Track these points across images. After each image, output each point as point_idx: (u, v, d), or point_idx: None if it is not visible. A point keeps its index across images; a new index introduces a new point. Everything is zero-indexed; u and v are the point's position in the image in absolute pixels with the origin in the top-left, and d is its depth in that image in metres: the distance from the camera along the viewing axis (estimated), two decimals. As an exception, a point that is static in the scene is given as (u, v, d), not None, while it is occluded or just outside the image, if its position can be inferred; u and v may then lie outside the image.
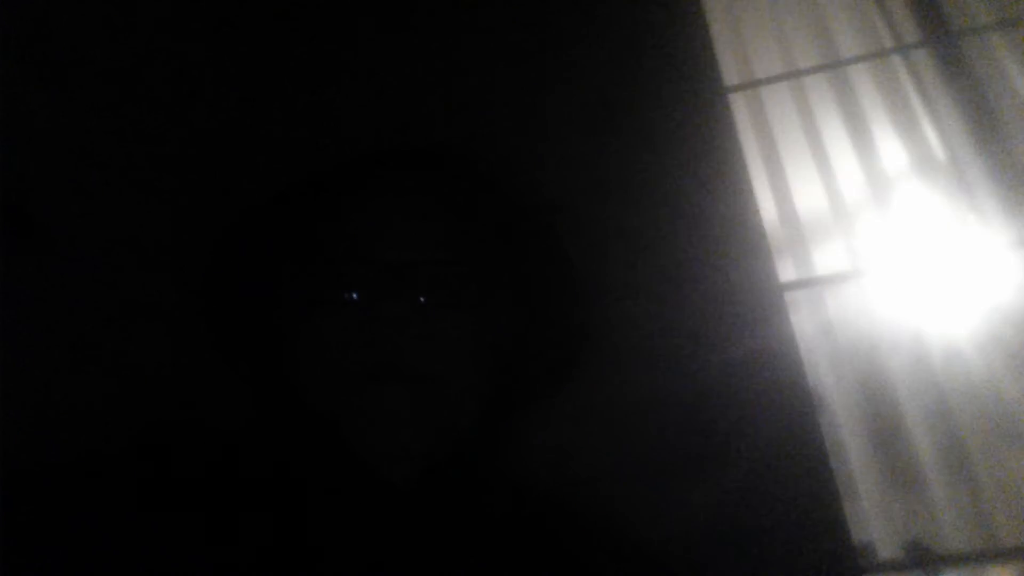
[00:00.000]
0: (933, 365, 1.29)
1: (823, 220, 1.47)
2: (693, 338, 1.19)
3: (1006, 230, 1.33)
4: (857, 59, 1.61)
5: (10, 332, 1.14)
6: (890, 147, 1.51)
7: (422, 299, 0.82)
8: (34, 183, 1.29)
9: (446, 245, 0.87)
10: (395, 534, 0.79)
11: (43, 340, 1.17)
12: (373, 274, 0.80)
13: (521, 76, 1.38)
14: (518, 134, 1.32)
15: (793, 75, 1.61)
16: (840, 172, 1.50)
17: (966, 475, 1.21)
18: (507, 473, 0.91)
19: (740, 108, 1.57)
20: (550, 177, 1.24)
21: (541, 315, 0.95)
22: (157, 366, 1.15)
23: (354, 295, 0.81)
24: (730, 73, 1.59)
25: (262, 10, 1.43)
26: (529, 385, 0.94)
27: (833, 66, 1.61)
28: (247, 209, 0.93)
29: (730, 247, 1.24)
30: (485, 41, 1.41)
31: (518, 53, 1.39)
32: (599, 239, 1.24)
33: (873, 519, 1.22)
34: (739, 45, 1.67)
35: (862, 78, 1.60)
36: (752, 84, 1.60)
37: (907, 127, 1.52)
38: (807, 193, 1.49)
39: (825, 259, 1.42)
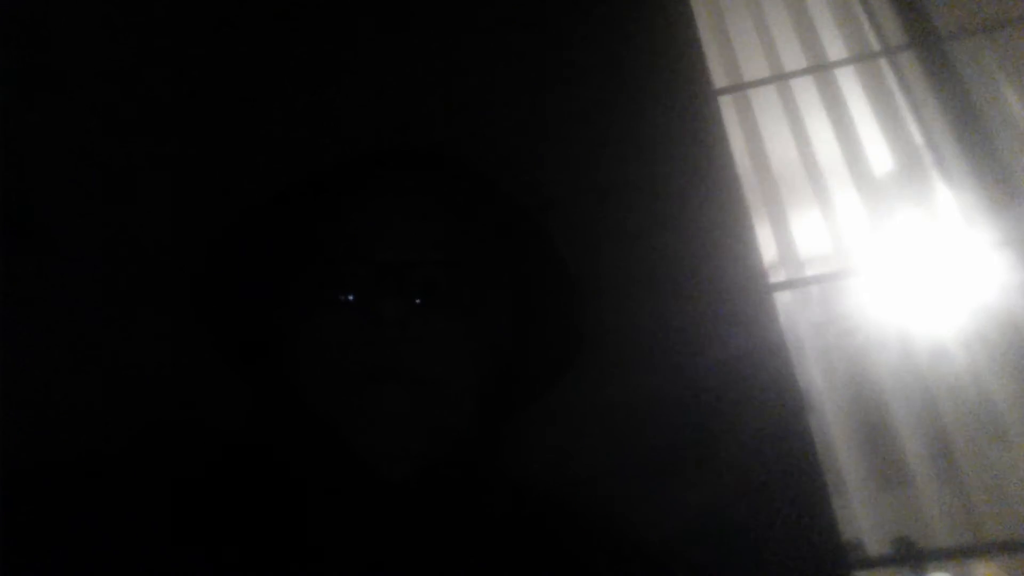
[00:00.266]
0: (920, 364, 1.30)
1: (811, 220, 1.48)
2: (683, 338, 1.19)
3: (991, 230, 1.34)
4: (844, 62, 1.62)
5: (10, 332, 1.13)
6: (876, 148, 1.52)
7: (419, 300, 0.82)
8: (34, 183, 1.29)
9: (444, 246, 0.87)
10: (394, 534, 0.79)
11: (43, 340, 1.17)
12: (371, 275, 0.80)
13: (517, 77, 1.38)
14: (514, 135, 1.32)
15: (781, 77, 1.62)
16: (827, 173, 1.51)
17: (952, 472, 1.22)
18: (504, 473, 0.91)
19: (729, 110, 1.57)
20: (545, 177, 1.25)
21: (538, 315, 0.95)
22: (157, 366, 1.15)
23: (352, 296, 0.81)
24: (719, 76, 1.60)
25: (262, 10, 1.43)
26: (526, 385, 0.94)
27: (820, 68, 1.61)
28: (246, 209, 0.92)
29: (719, 247, 1.25)
30: (482, 42, 1.41)
31: (514, 55, 1.40)
32: (591, 239, 1.24)
33: (862, 516, 1.22)
34: (728, 48, 1.68)
35: (849, 80, 1.61)
36: (741, 86, 1.61)
37: (893, 128, 1.53)
38: (795, 194, 1.50)
39: (813, 259, 1.43)
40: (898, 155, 1.51)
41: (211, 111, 1.36)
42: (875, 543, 1.20)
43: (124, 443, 0.82)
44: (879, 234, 1.40)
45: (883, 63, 1.60)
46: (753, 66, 1.66)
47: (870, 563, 1.16)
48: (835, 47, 1.65)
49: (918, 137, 1.51)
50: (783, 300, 1.30)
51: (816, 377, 1.33)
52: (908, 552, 1.16)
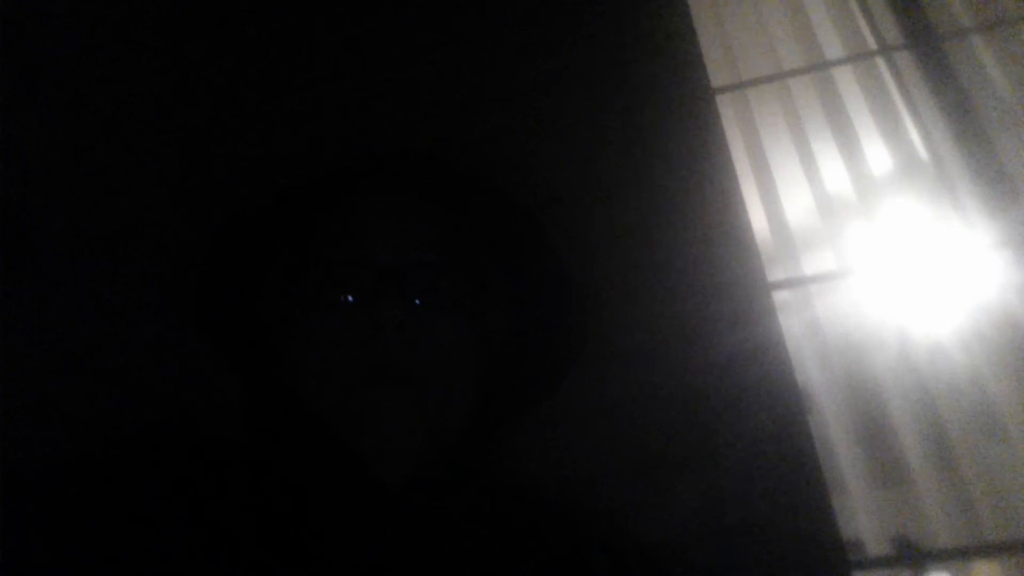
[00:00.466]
0: (918, 363, 1.30)
1: (810, 220, 1.48)
2: (682, 337, 1.19)
3: (989, 230, 1.34)
4: (841, 61, 1.61)
5: (8, 336, 1.13)
6: (874, 148, 1.52)
7: (419, 302, 0.82)
8: (33, 185, 1.28)
9: (444, 247, 0.87)
10: (391, 535, 0.78)
11: (42, 342, 1.17)
12: (371, 277, 0.80)
13: (515, 77, 1.38)
14: (512, 134, 1.32)
15: (779, 77, 1.62)
16: (825, 172, 1.50)
17: (951, 472, 1.22)
18: (502, 474, 0.91)
19: (727, 109, 1.57)
20: (543, 176, 1.25)
21: (538, 317, 0.95)
22: (155, 369, 1.15)
23: (352, 298, 0.81)
24: (717, 75, 1.59)
25: (261, 12, 1.43)
26: (524, 386, 0.94)
27: (818, 68, 1.61)
28: (245, 211, 0.92)
29: (718, 247, 1.25)
30: (481, 43, 1.41)
31: (512, 54, 1.40)
32: (589, 238, 1.24)
33: (861, 515, 1.22)
34: (726, 48, 1.67)
35: (846, 80, 1.61)
36: (739, 86, 1.60)
37: (891, 128, 1.53)
38: (793, 193, 1.50)
39: (812, 259, 1.43)
40: (896, 154, 1.50)
41: (209, 114, 1.36)
42: (874, 543, 1.20)
43: (121, 444, 0.82)
44: (877, 233, 1.40)
45: (881, 62, 1.59)
46: (751, 65, 1.66)
47: (870, 563, 1.16)
48: (833, 46, 1.65)
49: (916, 136, 1.51)
50: (781, 299, 1.29)
51: (815, 376, 1.32)
52: (907, 552, 1.16)
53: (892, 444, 1.26)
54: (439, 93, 1.38)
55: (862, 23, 1.65)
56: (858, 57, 1.60)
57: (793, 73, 1.61)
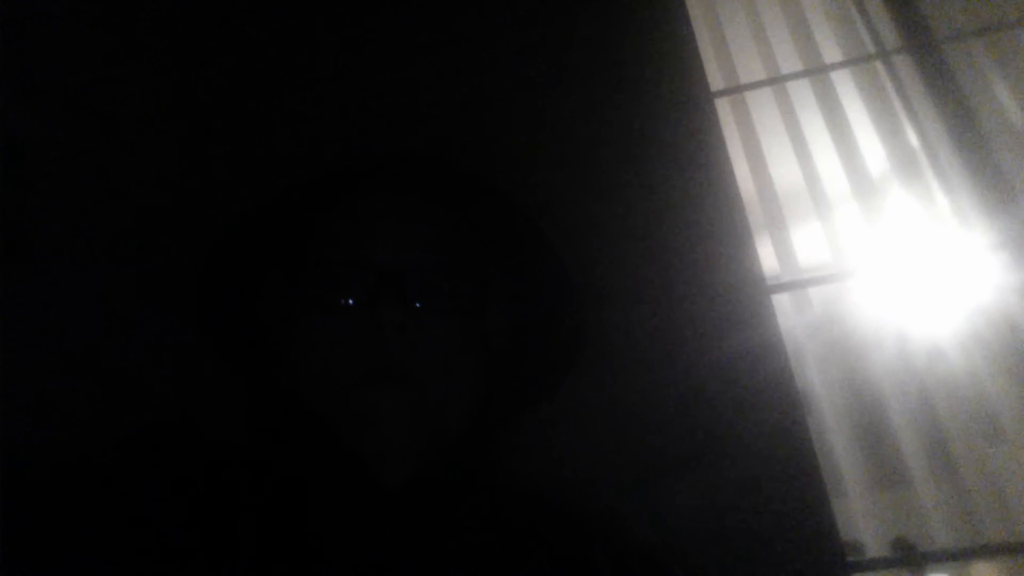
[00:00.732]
0: (917, 365, 1.30)
1: (808, 222, 1.48)
2: (681, 339, 1.19)
3: (987, 233, 1.34)
4: (840, 64, 1.61)
5: (8, 336, 1.13)
6: (873, 150, 1.52)
7: (419, 304, 0.81)
8: (33, 187, 1.28)
9: (444, 249, 0.87)
10: (391, 536, 0.78)
11: (41, 344, 1.16)
12: (371, 279, 0.80)
13: (514, 79, 1.38)
14: (511, 136, 1.32)
15: (777, 80, 1.62)
16: (824, 174, 1.51)
17: (950, 473, 1.22)
18: (502, 474, 0.91)
19: (726, 112, 1.57)
20: (542, 179, 1.25)
21: (537, 318, 0.95)
22: (156, 370, 1.14)
23: (352, 300, 0.81)
24: (715, 78, 1.59)
25: (261, 11, 1.43)
26: (524, 388, 0.94)
27: (816, 71, 1.61)
28: (243, 213, 0.92)
29: (717, 249, 1.24)
30: (480, 44, 1.41)
31: (511, 57, 1.39)
32: (588, 241, 1.24)
33: (860, 517, 1.22)
34: (724, 51, 1.68)
35: (845, 83, 1.61)
36: (737, 89, 1.60)
37: (889, 131, 1.53)
38: (792, 195, 1.50)
39: (811, 261, 1.43)
40: (894, 157, 1.50)
41: (210, 112, 1.36)
42: (874, 544, 1.20)
43: (121, 444, 0.82)
44: (876, 236, 1.40)
45: (879, 66, 1.59)
46: (749, 68, 1.66)
47: (869, 565, 1.15)
48: (831, 50, 1.65)
49: (914, 139, 1.51)
50: (781, 301, 1.29)
51: (814, 378, 1.33)
52: (907, 553, 1.16)
53: (891, 446, 1.26)
54: (439, 93, 1.37)
55: (860, 27, 1.65)
56: (856, 60, 1.61)
57: (791, 76, 1.61)
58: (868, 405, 1.29)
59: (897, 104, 1.55)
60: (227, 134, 1.34)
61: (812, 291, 1.36)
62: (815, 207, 1.48)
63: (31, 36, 1.39)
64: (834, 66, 1.61)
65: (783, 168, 1.53)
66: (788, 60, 1.66)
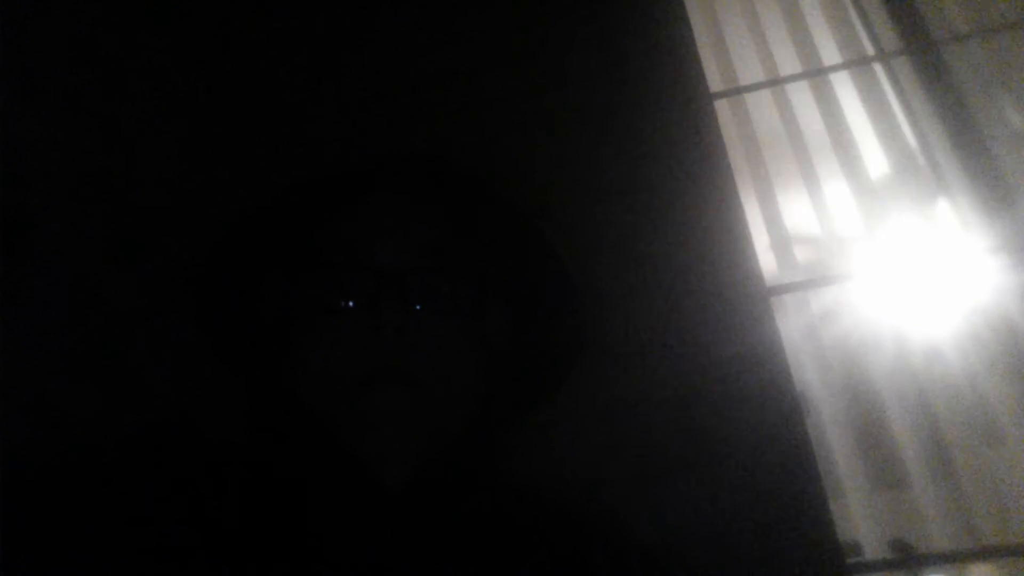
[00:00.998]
0: (916, 366, 1.30)
1: (807, 224, 1.48)
2: (680, 340, 1.19)
3: (985, 235, 1.34)
4: (839, 66, 1.62)
5: (8, 336, 1.13)
6: (872, 152, 1.52)
7: (419, 306, 0.81)
8: (34, 187, 1.28)
9: (444, 251, 0.86)
10: (392, 536, 0.78)
11: (41, 344, 1.16)
12: (372, 281, 0.80)
13: (514, 81, 1.38)
14: (511, 138, 1.32)
15: (776, 82, 1.62)
16: (823, 177, 1.51)
17: (948, 475, 1.22)
18: (503, 475, 0.90)
19: (725, 114, 1.57)
20: (542, 180, 1.25)
21: (538, 320, 0.95)
22: (156, 370, 1.14)
23: (352, 302, 0.81)
24: (715, 80, 1.59)
25: (261, 11, 1.43)
26: (524, 389, 0.93)
27: (815, 73, 1.61)
28: (244, 214, 0.92)
29: (717, 251, 1.25)
30: (480, 46, 1.41)
31: (512, 59, 1.40)
32: (588, 242, 1.24)
33: (858, 518, 1.22)
34: (723, 53, 1.68)
35: (844, 85, 1.61)
36: (737, 91, 1.60)
37: (888, 133, 1.53)
38: (791, 197, 1.50)
39: (809, 263, 1.43)
40: (893, 159, 1.50)
41: (210, 112, 1.36)
42: (872, 545, 1.20)
43: (121, 444, 0.82)
44: (875, 238, 1.40)
45: (878, 68, 1.60)
46: (749, 70, 1.66)
47: (867, 566, 1.15)
48: (830, 52, 1.65)
49: (913, 141, 1.51)
50: (780, 303, 1.29)
51: (813, 380, 1.32)
52: (905, 555, 1.16)
53: (889, 447, 1.26)
54: (439, 93, 1.37)
55: (859, 29, 1.65)
56: (855, 62, 1.61)
57: (791, 78, 1.61)
58: (866, 407, 1.29)
59: (896, 106, 1.55)
60: (227, 134, 1.34)
61: (811, 293, 1.36)
62: (814, 209, 1.48)
63: (31, 36, 1.39)
64: (833, 68, 1.61)
65: (782, 170, 1.53)
66: (787, 62, 1.66)
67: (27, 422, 1.06)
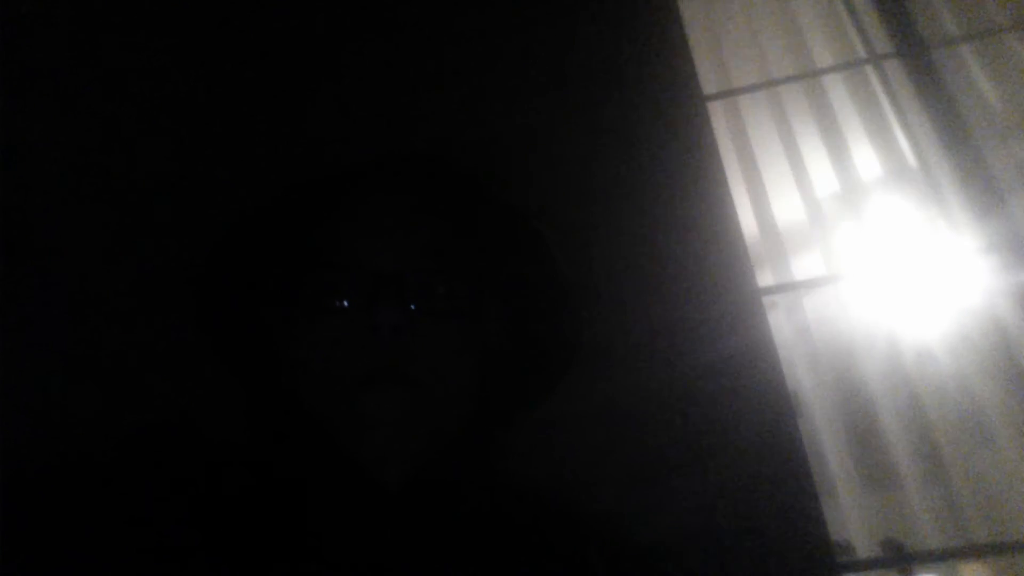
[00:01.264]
0: (907, 367, 1.30)
1: (800, 225, 1.48)
2: (673, 341, 1.19)
3: (976, 235, 1.34)
4: (831, 69, 1.62)
5: (8, 336, 1.12)
6: (863, 154, 1.52)
7: (415, 307, 0.81)
8: (33, 189, 1.28)
9: (441, 252, 0.86)
10: (390, 536, 0.78)
11: (41, 344, 1.16)
12: (368, 282, 0.80)
13: (509, 83, 1.38)
14: (506, 139, 1.32)
15: (769, 84, 1.62)
16: (815, 178, 1.51)
17: (939, 474, 1.22)
18: (499, 475, 0.90)
19: (719, 115, 1.57)
20: (536, 181, 1.25)
21: (534, 321, 0.95)
22: (155, 371, 1.14)
23: (348, 303, 0.81)
24: (709, 82, 1.59)
25: (261, 11, 1.43)
26: (520, 390, 0.93)
27: (808, 76, 1.61)
28: (244, 215, 0.92)
29: (710, 252, 1.25)
30: (475, 48, 1.41)
31: (506, 61, 1.39)
32: (581, 243, 1.24)
33: (850, 518, 1.22)
34: (717, 55, 1.67)
35: (836, 87, 1.61)
36: (730, 93, 1.60)
37: (880, 135, 1.53)
38: (784, 199, 1.50)
39: (802, 264, 1.43)
40: (885, 160, 1.51)
41: (210, 112, 1.36)
42: (863, 544, 1.20)
43: (121, 444, 0.81)
44: (866, 239, 1.40)
45: (870, 70, 1.60)
46: (742, 73, 1.66)
47: (859, 565, 1.16)
48: (823, 55, 1.65)
49: (904, 143, 1.51)
50: (772, 303, 1.29)
51: (805, 380, 1.32)
52: (896, 553, 1.16)
53: (881, 447, 1.26)
54: (432, 98, 1.37)
55: (852, 32, 1.65)
56: (848, 65, 1.61)
57: (784, 80, 1.61)
58: (858, 407, 1.29)
59: (888, 108, 1.55)
60: (227, 134, 1.33)
61: (803, 293, 1.36)
62: (806, 209, 1.48)
63: (31, 36, 1.39)
64: (826, 70, 1.61)
65: (774, 171, 1.53)
66: (781, 64, 1.66)
67: (27, 422, 1.06)
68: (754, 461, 1.09)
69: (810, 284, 1.36)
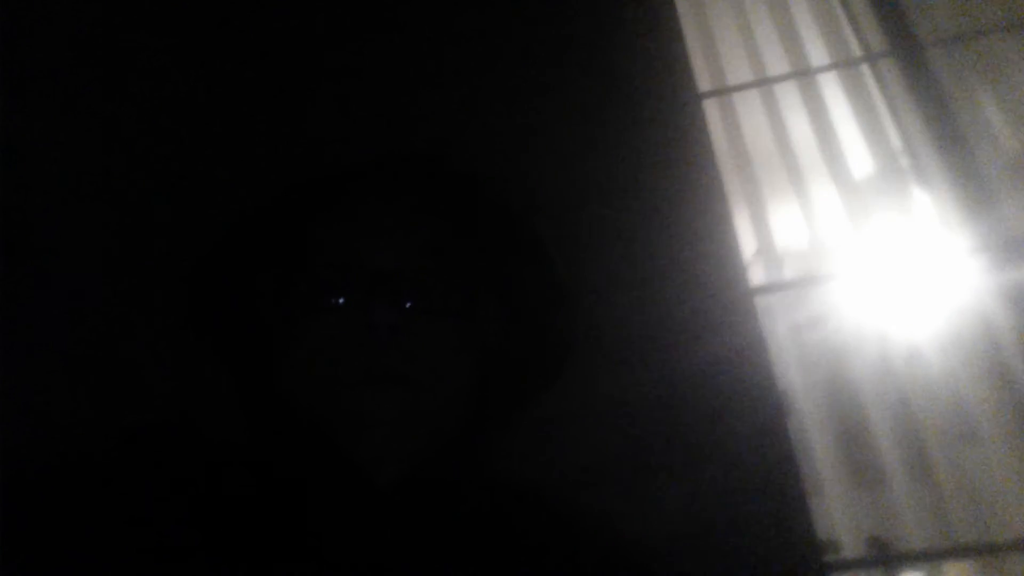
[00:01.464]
0: (896, 366, 1.30)
1: (793, 224, 1.48)
2: (665, 339, 1.19)
3: (967, 235, 1.34)
4: (826, 67, 1.61)
5: (8, 336, 1.13)
6: (857, 152, 1.52)
7: (410, 305, 0.81)
8: (33, 190, 1.28)
9: (436, 251, 0.86)
10: (385, 535, 0.78)
11: (41, 344, 1.16)
12: (364, 280, 0.80)
13: (503, 82, 1.37)
14: (500, 138, 1.31)
15: (764, 82, 1.62)
16: (809, 177, 1.51)
17: (926, 474, 1.22)
18: (493, 474, 0.91)
19: (714, 113, 1.57)
20: (530, 180, 1.24)
21: (529, 321, 0.95)
22: (154, 372, 1.14)
23: (344, 301, 0.81)
24: (704, 80, 1.59)
25: (261, 11, 1.42)
26: (514, 389, 0.94)
27: (803, 74, 1.61)
28: (241, 215, 0.92)
29: (703, 250, 1.24)
30: (470, 48, 1.41)
31: (501, 60, 1.39)
32: (575, 241, 1.24)
33: (838, 516, 1.23)
34: (712, 53, 1.67)
35: (830, 86, 1.61)
36: (725, 90, 1.60)
37: (873, 133, 1.53)
38: (777, 198, 1.50)
39: (794, 263, 1.43)
40: (878, 159, 1.51)
41: (210, 112, 1.35)
42: (850, 543, 1.20)
43: (121, 444, 0.82)
44: (858, 239, 1.40)
45: (864, 69, 1.59)
46: (737, 71, 1.66)
47: (846, 564, 1.16)
48: (818, 53, 1.65)
49: (897, 142, 1.51)
50: (764, 302, 1.29)
51: (795, 379, 1.33)
52: (882, 553, 1.17)
53: (869, 447, 1.27)
54: (427, 98, 1.37)
55: (847, 31, 1.65)
56: (842, 64, 1.60)
57: (778, 79, 1.61)
58: (847, 406, 1.29)
59: (881, 107, 1.55)
60: (227, 134, 1.33)
61: (795, 293, 1.37)
62: (800, 208, 1.48)
63: (31, 36, 1.39)
64: (820, 69, 1.61)
65: (768, 170, 1.53)
66: (776, 62, 1.66)
67: (27, 422, 1.06)
68: (744, 460, 1.10)
69: (802, 284, 1.37)
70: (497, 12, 1.44)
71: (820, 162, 1.51)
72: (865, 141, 1.53)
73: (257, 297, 0.89)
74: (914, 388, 1.28)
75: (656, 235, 1.26)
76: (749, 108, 1.61)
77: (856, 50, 1.62)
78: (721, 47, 1.68)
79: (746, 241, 1.31)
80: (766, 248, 1.43)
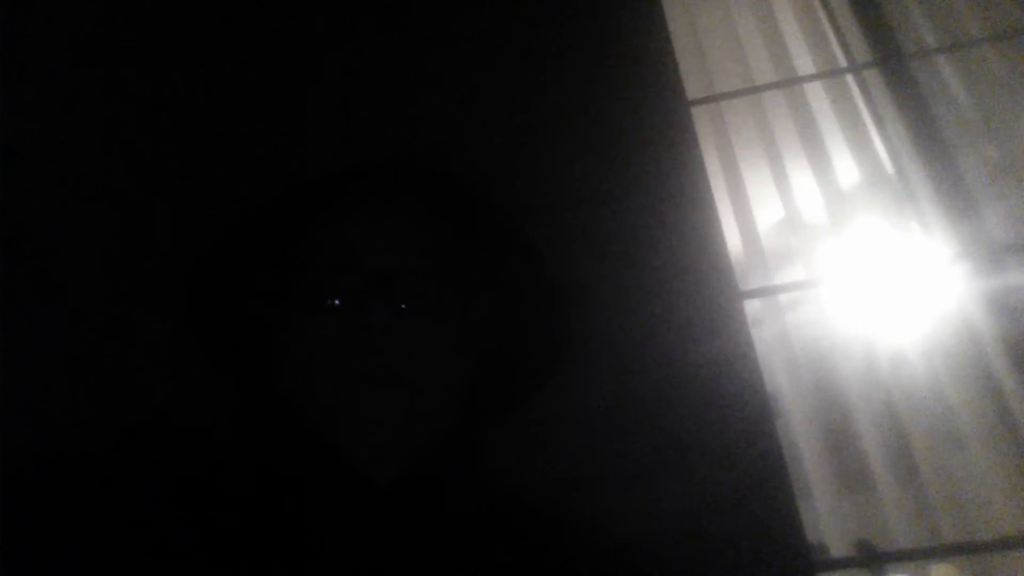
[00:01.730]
0: (882, 371, 1.31)
1: (780, 231, 1.48)
2: (653, 343, 1.19)
3: (950, 243, 1.34)
4: (812, 77, 1.62)
5: (8, 336, 1.12)
6: (842, 161, 1.52)
7: (406, 306, 0.81)
8: (32, 190, 1.27)
9: (432, 253, 0.86)
10: (381, 534, 0.78)
11: (41, 344, 1.15)
12: (360, 282, 0.80)
13: (493, 88, 1.37)
14: (490, 143, 1.31)
15: (752, 91, 1.62)
16: (796, 184, 1.51)
17: (912, 477, 1.23)
18: (482, 474, 0.91)
19: (702, 121, 1.57)
20: (520, 185, 1.24)
21: (522, 323, 0.95)
22: (154, 369, 1.14)
23: (340, 302, 0.81)
24: (692, 87, 1.59)
25: (260, 11, 1.42)
26: (508, 390, 0.94)
27: (790, 83, 1.61)
28: (240, 216, 0.91)
29: (691, 256, 1.24)
30: (459, 53, 1.40)
31: (490, 65, 1.39)
32: (564, 247, 1.23)
33: (825, 519, 1.23)
34: (701, 61, 1.67)
35: (817, 95, 1.61)
36: (713, 98, 1.60)
37: (858, 142, 1.53)
38: (765, 204, 1.50)
39: (782, 269, 1.43)
40: (863, 168, 1.51)
41: (210, 113, 1.35)
42: (837, 545, 1.21)
43: (120, 443, 0.81)
44: (845, 245, 1.40)
45: (850, 79, 1.60)
46: (725, 79, 1.66)
47: (833, 565, 1.16)
48: (805, 62, 1.65)
49: (882, 151, 1.51)
50: (752, 308, 1.29)
51: (783, 384, 1.33)
52: (869, 554, 1.17)
53: (856, 450, 1.27)
54: (419, 102, 1.36)
55: (833, 41, 1.65)
56: (828, 74, 1.61)
57: (766, 87, 1.61)
58: (835, 410, 1.29)
59: (867, 116, 1.56)
60: (227, 134, 1.32)
61: (783, 298, 1.37)
62: (786, 215, 1.48)
63: (31, 36, 1.37)
64: (807, 78, 1.61)
65: (756, 176, 1.53)
66: (763, 71, 1.66)
67: (27, 422, 1.05)
68: (732, 463, 1.10)
69: (789, 288, 1.37)
70: (497, 12, 1.44)
71: (807, 169, 1.51)
72: (850, 149, 1.53)
73: (256, 297, 0.89)
74: (900, 393, 1.29)
75: (645, 240, 1.26)
76: (737, 116, 1.61)
77: (841, 60, 1.63)
78: (710, 55, 1.68)
79: (734, 246, 1.30)
80: (754, 253, 1.43)
